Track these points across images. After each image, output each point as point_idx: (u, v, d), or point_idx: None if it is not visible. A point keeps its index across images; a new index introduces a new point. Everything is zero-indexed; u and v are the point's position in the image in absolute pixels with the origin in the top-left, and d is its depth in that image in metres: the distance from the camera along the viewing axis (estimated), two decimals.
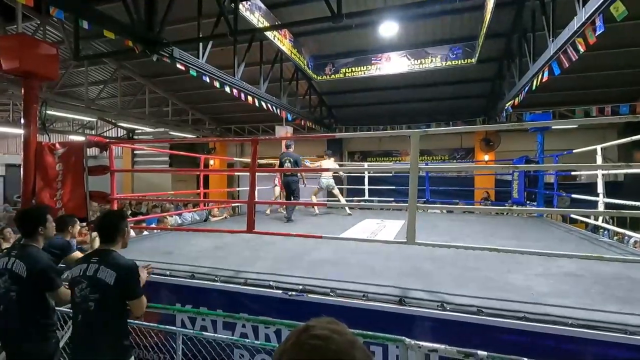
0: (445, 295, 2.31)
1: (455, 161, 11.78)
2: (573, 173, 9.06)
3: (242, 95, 7.14)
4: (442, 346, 1.82)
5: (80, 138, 12.72)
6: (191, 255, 3.44)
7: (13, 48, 3.40)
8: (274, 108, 8.47)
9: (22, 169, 3.76)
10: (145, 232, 5.49)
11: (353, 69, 8.67)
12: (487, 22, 5.65)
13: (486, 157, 11.04)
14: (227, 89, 6.67)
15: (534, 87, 5.83)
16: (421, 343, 1.83)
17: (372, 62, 8.45)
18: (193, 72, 5.63)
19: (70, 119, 13.31)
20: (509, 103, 7.32)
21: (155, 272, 2.88)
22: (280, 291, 2.53)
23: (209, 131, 13.79)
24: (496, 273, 2.85)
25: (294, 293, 2.48)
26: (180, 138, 13.00)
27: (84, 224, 3.95)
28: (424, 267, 2.99)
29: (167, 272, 2.90)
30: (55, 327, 2.40)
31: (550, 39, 4.89)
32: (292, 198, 5.95)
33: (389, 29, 7.07)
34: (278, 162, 6.10)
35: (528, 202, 6.82)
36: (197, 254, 3.53)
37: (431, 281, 2.59)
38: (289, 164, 5.85)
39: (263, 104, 7.92)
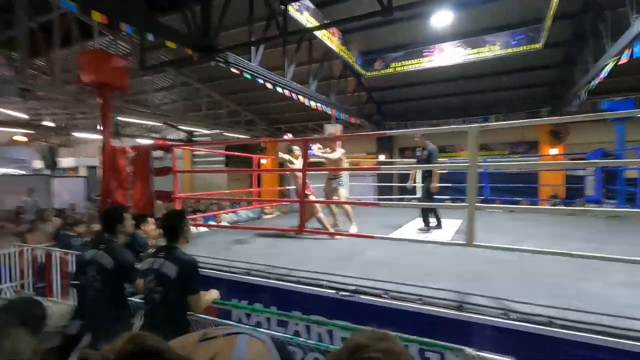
0: (509, 303, 2.14)
1: (517, 156, 10.90)
2: None
3: (293, 95, 7.27)
4: (507, 358, 1.68)
5: (147, 141, 13.87)
6: (246, 253, 3.57)
7: (90, 63, 3.79)
8: (323, 107, 8.51)
9: (100, 171, 4.18)
10: (204, 229, 5.82)
11: (403, 62, 8.40)
12: (555, 3, 5.13)
13: (553, 151, 10.07)
14: (279, 90, 6.83)
15: (612, 71, 5.19)
16: (484, 354, 1.71)
17: (424, 54, 8.11)
18: (247, 75, 5.84)
19: (137, 124, 14.57)
20: (583, 90, 6.60)
21: (213, 267, 3.04)
22: (332, 291, 2.52)
23: (260, 131, 14.26)
24: (569, 280, 2.58)
25: (345, 293, 2.46)
26: (234, 139, 13.60)
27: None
28: (484, 271, 2.81)
29: (225, 269, 3.04)
30: (131, 314, 2.66)
31: (634, 15, 4.31)
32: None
33: (442, 18, 6.72)
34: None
35: (606, 200, 6.10)
36: (252, 251, 3.66)
37: (493, 287, 2.41)
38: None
39: (313, 103, 8.00)
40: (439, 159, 4.75)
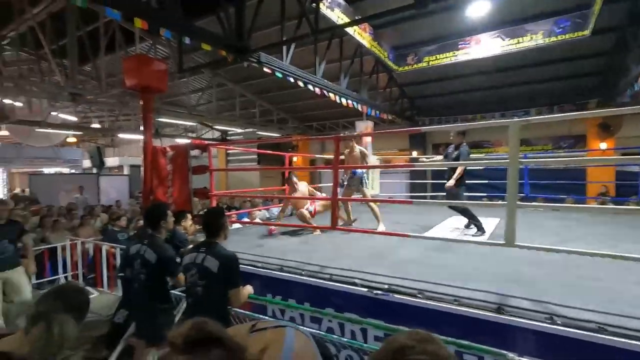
0: (554, 307, 2.03)
1: (561, 151, 10.26)
2: None
3: (324, 93, 7.27)
4: None
5: (184, 141, 14.46)
6: (279, 249, 3.64)
7: (134, 67, 3.99)
8: (354, 103, 8.45)
9: (142, 170, 4.42)
10: (238, 225, 5.99)
11: (438, 56, 8.14)
12: None
13: (603, 145, 9.38)
14: (310, 88, 6.86)
15: None
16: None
17: (459, 46, 7.82)
18: (279, 74, 5.91)
19: (175, 124, 15.22)
20: (637, 78, 6.08)
21: (248, 263, 3.12)
22: (365, 289, 2.51)
23: (291, 129, 14.41)
24: (621, 284, 2.40)
25: (379, 292, 2.44)
26: (267, 137, 13.85)
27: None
28: (525, 273, 2.68)
29: (259, 264, 3.12)
30: (172, 305, 2.80)
31: None
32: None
33: (479, 8, 6.44)
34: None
35: None
36: (285, 247, 3.72)
37: (536, 289, 2.30)
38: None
39: (344, 100, 7.96)
40: (470, 156, 4.47)
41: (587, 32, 6.41)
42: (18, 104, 10.56)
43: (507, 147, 2.35)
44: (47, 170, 17.92)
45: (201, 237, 3.80)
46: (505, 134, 2.41)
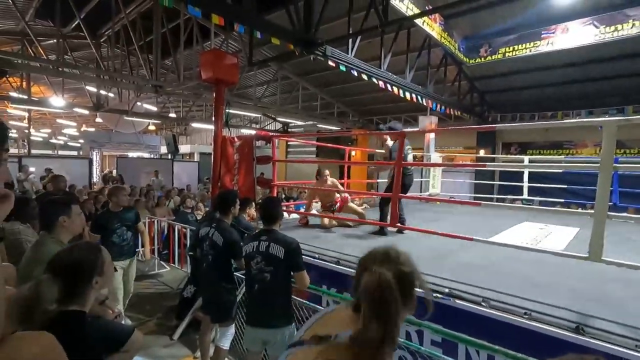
0: None
1: None
2: None
3: (388, 86, 7.11)
4: None
5: (249, 131, 15.19)
6: (337, 242, 3.67)
7: (209, 61, 4.26)
8: (419, 98, 8.13)
9: (212, 157, 4.73)
10: (295, 215, 6.16)
11: (515, 47, 7.46)
12: None
13: None
14: (374, 81, 6.75)
15: None
16: None
17: (543, 36, 7.08)
18: (342, 67, 5.90)
19: (241, 115, 16.03)
20: None
21: (306, 254, 3.19)
22: (424, 291, 2.43)
23: (352, 123, 14.36)
24: None
25: (439, 296, 2.34)
26: (327, 130, 13.97)
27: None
28: (611, 291, 2.38)
29: (317, 255, 3.18)
30: (235, 286, 3.00)
31: None
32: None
33: None
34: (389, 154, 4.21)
35: None
36: (342, 241, 3.74)
37: (624, 311, 2.03)
38: (411, 156, 4.46)
39: (407, 94, 7.71)
40: (550, 158, 4.04)
41: None
42: (111, 94, 11.95)
43: (593, 149, 2.09)
44: (131, 155, 20.09)
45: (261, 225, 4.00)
46: (593, 134, 2.17)
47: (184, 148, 21.76)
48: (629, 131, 9.14)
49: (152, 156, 19.63)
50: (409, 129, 10.99)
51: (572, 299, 2.20)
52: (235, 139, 4.67)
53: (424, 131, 8.31)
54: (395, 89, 7.36)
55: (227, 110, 5.06)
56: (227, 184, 4.55)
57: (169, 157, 15.95)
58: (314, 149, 15.46)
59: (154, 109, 15.10)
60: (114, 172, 14.71)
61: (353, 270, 2.91)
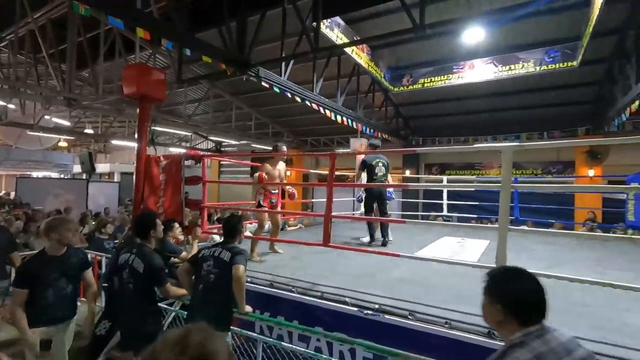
0: None
1: (550, 176, 10.46)
2: None
3: (320, 109, 7.36)
4: None
5: (177, 150, 14.39)
6: (270, 264, 3.60)
7: (133, 76, 4.00)
8: (350, 121, 8.55)
9: (134, 178, 4.37)
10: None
11: (432, 78, 8.33)
12: (594, 20, 4.96)
13: (590, 172, 9.59)
14: (307, 103, 6.94)
15: None
16: None
17: (454, 70, 8.03)
18: (276, 89, 5.98)
19: (170, 133, 15.17)
20: (624, 109, 6.29)
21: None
22: (356, 308, 2.48)
23: (287, 144, 14.45)
24: (611, 311, 2.42)
25: (369, 312, 2.41)
26: (261, 150, 13.87)
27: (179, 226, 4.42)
28: None
29: (248, 279, 3.07)
30: (161, 315, 2.75)
31: None
32: (384, 213, 4.95)
33: (473, 35, 6.64)
34: (360, 167, 5.17)
35: None
36: (275, 262, 3.68)
37: None
38: (383, 168, 5.04)
39: (339, 117, 8.05)
40: (463, 177, 4.60)
41: (575, 63, 6.65)
42: (11, 106, 10.46)
43: (498, 170, 2.39)
44: (35, 174, 17.62)
45: (189, 248, 3.76)
46: (497, 156, 2.46)
47: (102, 167, 19.77)
48: (524, 155, 10.71)
49: (61, 176, 17.44)
50: (340, 151, 11.43)
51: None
52: (162, 158, 4.39)
53: (354, 153, 8.71)
54: (328, 112, 7.65)
55: (153, 128, 4.75)
56: (151, 206, 4.22)
57: (84, 177, 14.32)
58: (249, 169, 15.17)
59: (67, 123, 13.57)
60: (12, 194, 12.72)
61: (287, 293, 2.87)
